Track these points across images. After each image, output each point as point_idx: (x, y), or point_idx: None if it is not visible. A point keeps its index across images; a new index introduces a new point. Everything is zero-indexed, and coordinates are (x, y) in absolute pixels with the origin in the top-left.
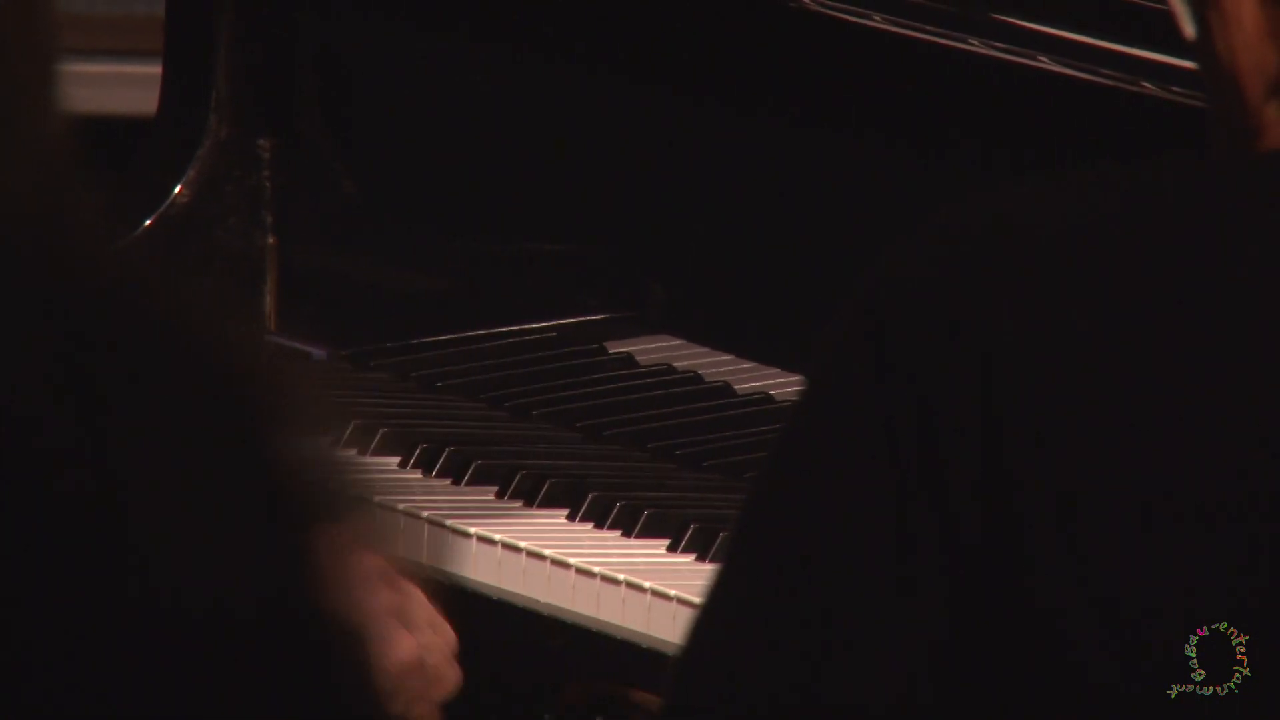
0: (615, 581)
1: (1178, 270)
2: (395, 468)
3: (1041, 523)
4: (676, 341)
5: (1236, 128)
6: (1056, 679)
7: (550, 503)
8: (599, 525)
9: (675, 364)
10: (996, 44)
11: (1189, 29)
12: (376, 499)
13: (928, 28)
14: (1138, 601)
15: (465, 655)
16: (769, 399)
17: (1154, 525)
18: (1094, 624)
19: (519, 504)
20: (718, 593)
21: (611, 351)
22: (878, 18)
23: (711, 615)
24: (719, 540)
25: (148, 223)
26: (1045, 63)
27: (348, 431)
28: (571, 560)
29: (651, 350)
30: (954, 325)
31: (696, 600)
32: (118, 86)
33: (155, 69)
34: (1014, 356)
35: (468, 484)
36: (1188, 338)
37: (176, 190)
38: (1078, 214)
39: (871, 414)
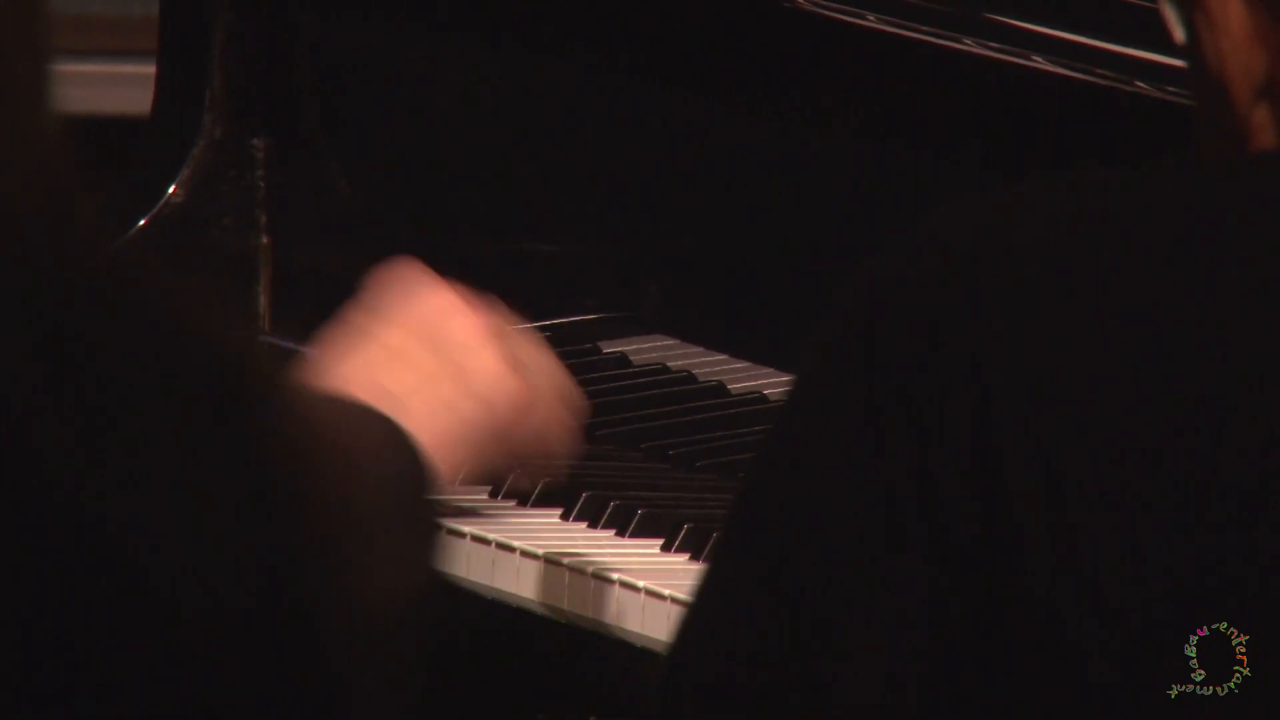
0: (609, 581)
1: (1167, 271)
2: None
3: (1036, 523)
4: (670, 341)
5: (1225, 130)
6: (1055, 678)
7: (544, 502)
8: (592, 525)
9: (669, 363)
10: (990, 44)
11: (1178, 33)
12: None
13: (922, 27)
14: (1137, 601)
15: (459, 655)
16: (763, 399)
17: (1151, 525)
18: (1093, 624)
19: (512, 503)
20: (707, 589)
21: (605, 351)
22: (872, 17)
23: (701, 611)
24: (713, 540)
25: (142, 222)
26: (1039, 62)
27: None
28: (565, 560)
29: (645, 350)
30: (944, 324)
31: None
32: (112, 86)
33: (150, 69)
34: (1004, 357)
35: (462, 484)
36: (1179, 337)
37: (171, 190)
38: (1068, 215)
39: (860, 412)
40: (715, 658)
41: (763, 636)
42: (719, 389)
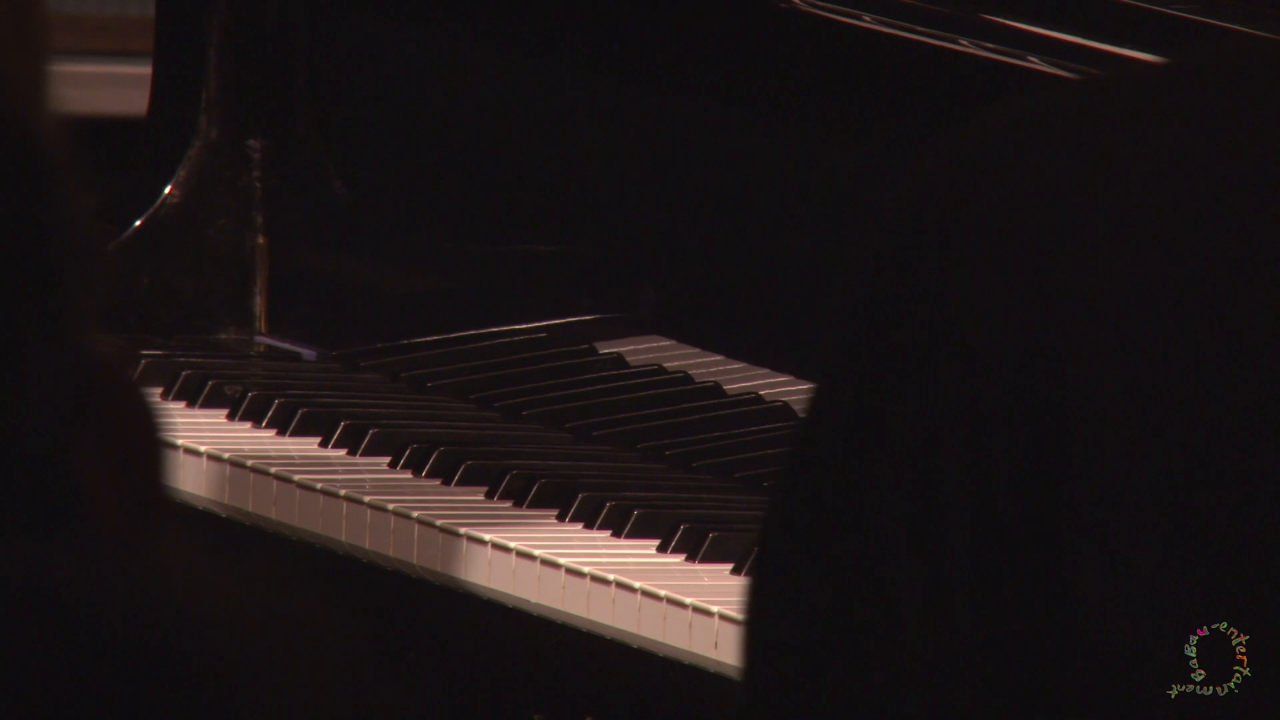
0: (605, 582)
1: (1250, 178)
2: (385, 468)
3: (1077, 509)
4: (667, 342)
5: None
6: (1059, 674)
7: (540, 503)
8: (589, 526)
9: (665, 364)
10: (986, 44)
11: None
12: (367, 499)
13: (918, 28)
14: (1138, 600)
15: (456, 655)
16: (759, 399)
17: (1154, 523)
18: (1095, 622)
19: (509, 504)
20: (764, 582)
21: (602, 352)
22: (868, 18)
23: (763, 608)
24: (709, 540)
25: (139, 223)
26: (1035, 63)
27: (338, 432)
28: (561, 560)
29: (641, 351)
30: (1018, 276)
31: (687, 600)
32: (109, 87)
33: (146, 69)
34: (1076, 332)
35: (458, 484)
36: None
37: (167, 190)
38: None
39: (912, 336)
40: (783, 667)
41: (826, 629)
42: (715, 390)
